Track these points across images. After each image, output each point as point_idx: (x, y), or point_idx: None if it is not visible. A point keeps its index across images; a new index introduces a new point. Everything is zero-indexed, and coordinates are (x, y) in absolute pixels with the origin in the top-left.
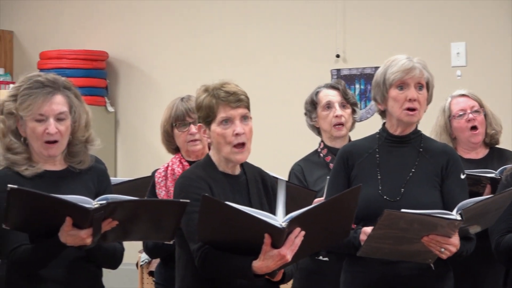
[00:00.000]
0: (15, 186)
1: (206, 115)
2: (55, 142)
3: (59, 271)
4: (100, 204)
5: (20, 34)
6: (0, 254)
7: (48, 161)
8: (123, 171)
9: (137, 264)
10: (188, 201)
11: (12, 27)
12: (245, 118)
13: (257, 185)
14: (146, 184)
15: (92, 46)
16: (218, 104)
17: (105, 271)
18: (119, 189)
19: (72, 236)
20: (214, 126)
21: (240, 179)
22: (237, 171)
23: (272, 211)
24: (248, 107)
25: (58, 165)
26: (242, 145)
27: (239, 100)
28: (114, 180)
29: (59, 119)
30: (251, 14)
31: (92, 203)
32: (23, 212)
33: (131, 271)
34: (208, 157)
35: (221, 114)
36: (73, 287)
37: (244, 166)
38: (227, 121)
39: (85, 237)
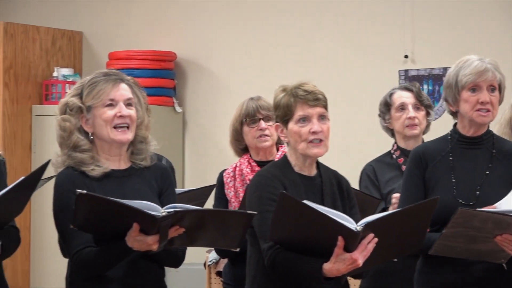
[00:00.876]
0: (84, 192)
1: (284, 114)
2: (126, 128)
3: (122, 271)
4: (168, 212)
5: (89, 35)
6: (65, 254)
7: (114, 159)
8: (191, 172)
9: (204, 264)
10: (255, 212)
11: (81, 27)
12: (322, 117)
13: (332, 188)
14: (208, 193)
15: (160, 47)
16: (296, 103)
17: (174, 271)
18: (183, 198)
19: (139, 241)
20: (291, 125)
21: (315, 181)
22: (313, 172)
23: (346, 214)
24: (326, 107)
25: (122, 164)
26: (319, 141)
27: (317, 99)
28: (177, 190)
29: (127, 104)
30: (319, 14)
31: (160, 211)
32: (91, 216)
33: (199, 271)
34: (285, 157)
35: (299, 113)
36: (135, 286)
37: (321, 168)
38: (305, 119)
39: (151, 243)
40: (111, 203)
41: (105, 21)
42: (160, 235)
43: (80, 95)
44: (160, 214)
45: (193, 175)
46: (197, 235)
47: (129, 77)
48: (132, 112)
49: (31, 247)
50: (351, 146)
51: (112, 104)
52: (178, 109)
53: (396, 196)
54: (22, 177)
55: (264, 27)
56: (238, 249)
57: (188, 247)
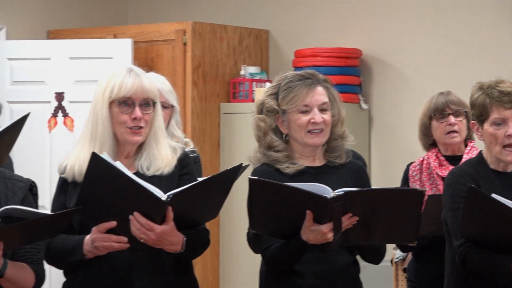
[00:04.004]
0: (255, 177)
1: (480, 114)
2: (319, 131)
3: (315, 265)
4: (338, 194)
5: (275, 33)
6: (255, 250)
7: (308, 158)
8: (377, 168)
9: (391, 261)
10: (425, 189)
11: (268, 26)
12: None
13: None
14: None
15: (346, 44)
16: (492, 104)
17: (361, 268)
18: None
19: (314, 231)
20: (486, 126)
21: None
22: (510, 168)
23: None
24: None
25: (317, 161)
26: None
27: None
28: None
29: (322, 109)
30: (503, 11)
31: (330, 193)
32: (266, 208)
33: (385, 268)
34: (480, 155)
35: (494, 115)
36: (331, 282)
37: None
38: (500, 123)
39: (326, 231)
40: (282, 188)
41: (291, 19)
42: (334, 222)
43: (276, 96)
44: (330, 195)
45: (380, 172)
46: (371, 227)
47: (321, 75)
48: (326, 116)
49: (220, 244)
50: None
51: (307, 110)
52: (364, 106)
53: None
54: (210, 176)
55: (449, 22)
56: (415, 244)
57: (365, 243)
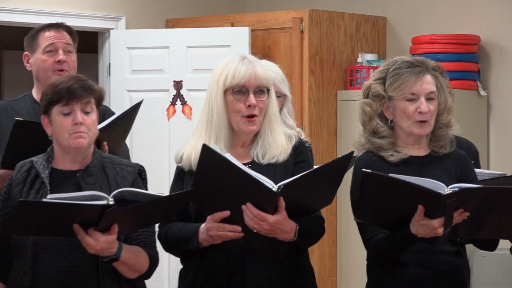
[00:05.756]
0: (368, 171)
1: None
2: (425, 121)
3: (421, 256)
4: (453, 190)
5: (392, 20)
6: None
7: (413, 146)
8: (495, 155)
9: (510, 250)
10: None
11: (385, 13)
12: None
13: None
14: None
15: (464, 30)
16: None
17: (480, 256)
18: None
19: (424, 226)
20: None
21: None
22: None
23: None
24: None
25: (422, 151)
26: None
27: None
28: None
29: (428, 98)
30: None
31: (445, 189)
32: (375, 200)
33: (505, 256)
34: None
35: None
36: (435, 272)
37: None
38: None
39: (437, 226)
40: (397, 182)
41: (409, 6)
42: (445, 217)
43: (383, 81)
44: (445, 192)
45: (499, 159)
46: (481, 222)
47: (432, 62)
48: (432, 106)
49: (338, 232)
50: None
51: (413, 98)
52: (483, 92)
53: None
54: (321, 165)
55: None
56: None
57: (473, 237)
